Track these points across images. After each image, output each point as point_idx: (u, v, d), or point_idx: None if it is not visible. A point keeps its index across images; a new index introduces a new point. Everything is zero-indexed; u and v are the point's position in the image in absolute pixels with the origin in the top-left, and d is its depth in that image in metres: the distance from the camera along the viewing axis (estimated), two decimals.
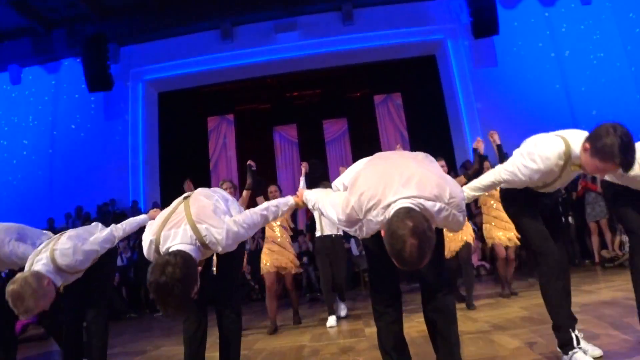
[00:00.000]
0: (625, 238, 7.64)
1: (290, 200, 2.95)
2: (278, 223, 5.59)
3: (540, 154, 2.47)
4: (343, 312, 5.81)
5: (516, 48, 12.61)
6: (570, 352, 2.47)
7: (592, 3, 12.94)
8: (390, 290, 2.42)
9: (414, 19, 12.66)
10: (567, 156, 2.45)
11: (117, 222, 3.55)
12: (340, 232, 5.80)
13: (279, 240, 5.58)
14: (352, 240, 9.99)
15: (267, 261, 5.47)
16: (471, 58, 12.63)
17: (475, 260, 9.46)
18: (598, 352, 2.57)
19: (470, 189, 2.80)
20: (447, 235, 4.96)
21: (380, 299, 2.45)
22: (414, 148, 13.21)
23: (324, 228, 5.73)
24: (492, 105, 12.28)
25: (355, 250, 9.97)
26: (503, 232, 5.65)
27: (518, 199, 2.73)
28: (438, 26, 12.81)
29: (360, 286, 9.77)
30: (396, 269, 1.97)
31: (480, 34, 12.25)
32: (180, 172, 12.61)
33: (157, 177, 13.19)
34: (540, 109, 11.71)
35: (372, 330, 4.34)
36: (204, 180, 11.82)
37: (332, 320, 5.29)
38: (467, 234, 5.43)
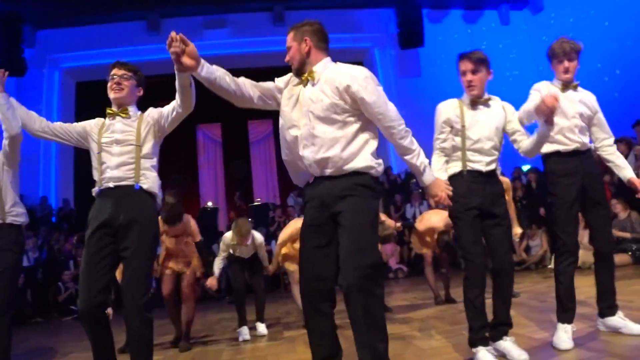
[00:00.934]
0: (532, 242, 8.65)
1: None
2: None
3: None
4: (263, 331, 5.08)
5: (439, 61, 13.66)
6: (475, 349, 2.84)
7: (510, 24, 14.33)
8: None
9: (344, 26, 13.34)
10: None
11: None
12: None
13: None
14: (273, 243, 10.28)
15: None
16: (396, 67, 13.55)
17: (393, 263, 10.22)
18: (524, 356, 2.76)
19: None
20: None
21: None
22: None
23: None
24: (415, 114, 13.14)
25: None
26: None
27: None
28: (367, 34, 13.63)
29: (280, 288, 9.97)
30: None
31: (407, 45, 13.22)
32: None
33: (71, 172, 12.95)
34: None
35: (290, 334, 4.72)
36: None
37: (244, 333, 4.83)
38: None
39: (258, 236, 5.21)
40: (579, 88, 3.24)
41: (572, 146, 3.14)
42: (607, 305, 3.15)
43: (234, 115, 15.07)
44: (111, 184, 2.81)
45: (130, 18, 12.69)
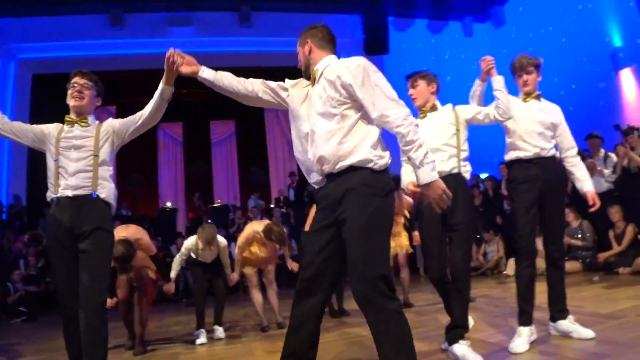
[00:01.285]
0: (489, 248, 8.84)
1: None
2: None
3: None
4: (220, 335, 5.06)
5: (403, 69, 13.76)
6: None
7: (473, 36, 14.67)
8: None
9: None
10: None
11: None
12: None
13: None
14: (232, 245, 10.22)
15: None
16: None
17: None
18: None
19: None
20: None
21: None
22: None
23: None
24: None
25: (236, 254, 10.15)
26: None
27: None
28: None
29: (239, 291, 9.81)
30: None
31: (372, 51, 13.35)
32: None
33: (24, 168, 12.49)
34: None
35: (248, 337, 4.70)
36: None
37: (202, 337, 4.81)
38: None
39: (222, 240, 5.16)
40: (542, 99, 3.49)
41: (531, 152, 3.33)
42: (558, 309, 3.28)
43: (196, 115, 14.99)
44: (69, 193, 2.85)
45: (93, 11, 12.31)
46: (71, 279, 2.78)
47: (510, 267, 7.63)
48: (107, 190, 2.94)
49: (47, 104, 12.78)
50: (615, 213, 6.90)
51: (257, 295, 5.24)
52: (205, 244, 4.83)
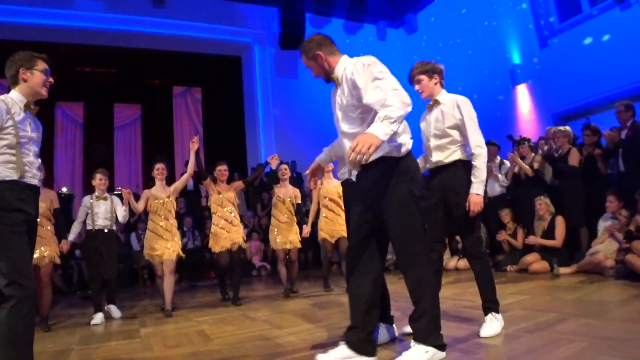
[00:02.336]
0: None
1: None
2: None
3: None
4: (116, 314, 5.67)
5: None
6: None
7: (387, 40, 15.12)
8: None
9: (226, 18, 13.20)
10: None
11: None
12: (114, 227, 5.82)
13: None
14: (133, 235, 9.87)
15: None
16: (275, 66, 13.66)
17: (257, 260, 10.25)
18: None
19: None
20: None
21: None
22: (208, 144, 13.66)
23: (96, 221, 5.62)
24: (289, 113, 13.45)
25: (135, 245, 9.77)
26: (281, 237, 6.44)
27: None
28: (248, 30, 13.57)
29: (139, 283, 9.64)
30: None
31: (287, 45, 13.37)
32: None
33: None
34: (331, 124, 13.12)
35: (147, 331, 4.52)
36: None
37: (98, 318, 5.28)
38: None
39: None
40: (441, 100, 3.47)
41: (433, 165, 3.48)
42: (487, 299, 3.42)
43: (98, 96, 14.20)
44: None
45: None
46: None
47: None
48: None
49: None
50: (505, 215, 7.41)
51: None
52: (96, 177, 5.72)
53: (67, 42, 12.53)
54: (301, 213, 7.01)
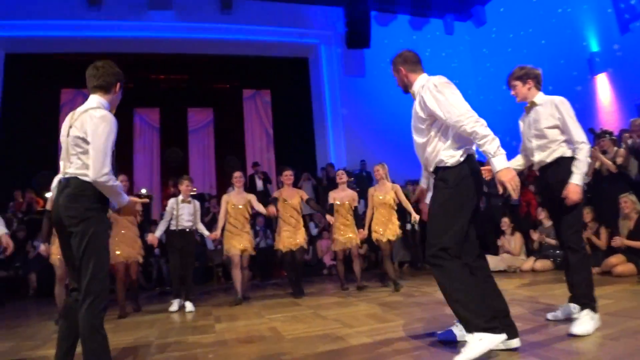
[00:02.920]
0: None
1: None
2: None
3: None
4: (190, 309, 6.03)
5: (384, 64, 13.75)
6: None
7: (454, 34, 14.78)
8: None
9: (292, 20, 13.38)
10: None
11: None
12: (194, 228, 6.47)
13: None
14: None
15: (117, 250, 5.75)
16: (342, 66, 13.69)
17: (327, 260, 10.31)
18: None
19: None
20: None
21: None
22: (277, 146, 13.89)
23: (180, 222, 6.26)
24: (357, 113, 13.43)
25: (210, 245, 10.13)
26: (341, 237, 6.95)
27: None
28: (314, 31, 13.68)
29: (213, 280, 9.96)
30: None
31: (353, 44, 13.37)
32: (23, 147, 11.95)
33: None
34: (400, 123, 12.88)
35: (222, 326, 4.65)
36: (50, 157, 11.33)
37: (175, 305, 6.06)
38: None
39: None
40: (538, 102, 3.62)
41: (537, 165, 3.66)
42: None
43: (173, 101, 14.78)
44: None
45: None
46: None
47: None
48: None
49: (19, 84, 12.51)
50: (587, 214, 7.03)
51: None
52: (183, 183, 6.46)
53: (142, 52, 13.19)
54: (358, 216, 7.10)
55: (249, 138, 15.09)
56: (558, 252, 7.34)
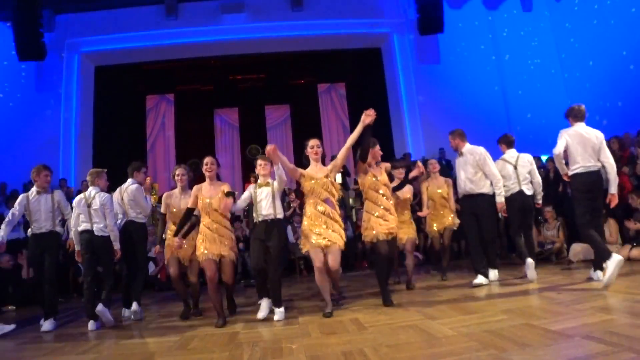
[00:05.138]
0: (548, 232, 8.45)
1: None
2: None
3: None
4: (277, 315, 4.92)
5: (459, 48, 13.50)
6: None
7: (533, 10, 14.05)
8: None
9: (362, 11, 13.28)
10: None
11: None
12: (279, 215, 5.16)
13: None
14: (289, 228, 10.30)
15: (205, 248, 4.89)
16: (415, 53, 13.41)
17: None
18: None
19: None
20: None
21: None
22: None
23: (260, 211, 5.15)
24: (433, 100, 13.12)
25: (291, 238, 10.22)
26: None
27: None
28: (385, 20, 13.50)
29: (295, 273, 10.11)
30: None
31: (426, 30, 13.07)
32: (115, 151, 12.70)
33: (90, 155, 13.04)
34: (478, 108, 12.65)
35: (305, 319, 4.71)
36: (140, 160, 11.95)
37: (263, 310, 5.08)
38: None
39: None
40: None
41: None
42: None
43: (251, 100, 15.17)
44: None
45: (148, 2, 12.74)
46: None
47: (574, 253, 7.35)
48: None
49: (109, 94, 13.33)
50: None
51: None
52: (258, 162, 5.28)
53: (219, 55, 13.65)
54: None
55: (326, 132, 15.19)
56: None
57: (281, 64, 14.89)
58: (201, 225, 5.00)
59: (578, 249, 7.32)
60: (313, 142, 5.14)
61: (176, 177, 5.71)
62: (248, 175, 14.19)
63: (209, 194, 5.01)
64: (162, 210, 5.72)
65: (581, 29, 12.60)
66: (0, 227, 5.54)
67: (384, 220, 5.16)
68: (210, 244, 4.85)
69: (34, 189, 5.70)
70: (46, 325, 5.38)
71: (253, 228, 5.30)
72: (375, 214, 5.18)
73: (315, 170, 5.05)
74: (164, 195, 5.77)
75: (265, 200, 5.14)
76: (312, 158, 5.10)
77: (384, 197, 5.23)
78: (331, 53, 14.11)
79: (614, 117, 11.12)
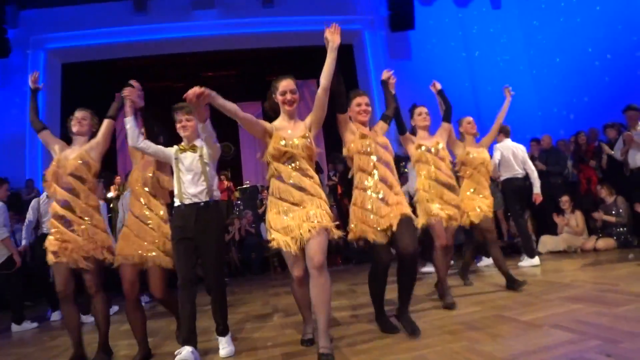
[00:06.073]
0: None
1: None
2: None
3: None
4: (223, 351, 3.47)
5: (430, 45, 13.63)
6: None
7: (502, 8, 14.28)
8: None
9: (334, 8, 13.26)
10: None
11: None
12: (216, 195, 3.72)
13: None
14: (262, 225, 10.28)
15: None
16: (387, 50, 13.49)
17: None
18: None
19: None
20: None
21: None
22: (326, 134, 13.90)
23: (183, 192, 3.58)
24: (405, 97, 13.13)
25: (265, 235, 10.21)
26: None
27: None
28: (357, 17, 13.54)
29: (269, 271, 10.09)
30: None
31: (397, 27, 13.17)
32: None
33: None
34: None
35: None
36: (109, 159, 11.77)
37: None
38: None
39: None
40: None
41: None
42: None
43: (223, 97, 15.03)
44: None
45: None
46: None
47: (542, 245, 7.51)
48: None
49: (77, 91, 13.03)
50: None
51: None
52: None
53: (190, 52, 13.52)
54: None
55: None
56: (621, 229, 7.05)
57: (253, 61, 14.82)
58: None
59: (547, 241, 7.50)
60: (286, 85, 3.46)
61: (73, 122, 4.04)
62: (218, 175, 14.16)
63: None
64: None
65: (548, 26, 12.85)
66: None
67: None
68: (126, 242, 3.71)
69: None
70: (54, 315, 6.55)
71: (172, 216, 3.64)
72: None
73: (287, 125, 3.44)
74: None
75: (190, 172, 3.63)
76: (285, 109, 3.47)
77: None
78: (302, 49, 14.06)
79: (581, 112, 11.40)
